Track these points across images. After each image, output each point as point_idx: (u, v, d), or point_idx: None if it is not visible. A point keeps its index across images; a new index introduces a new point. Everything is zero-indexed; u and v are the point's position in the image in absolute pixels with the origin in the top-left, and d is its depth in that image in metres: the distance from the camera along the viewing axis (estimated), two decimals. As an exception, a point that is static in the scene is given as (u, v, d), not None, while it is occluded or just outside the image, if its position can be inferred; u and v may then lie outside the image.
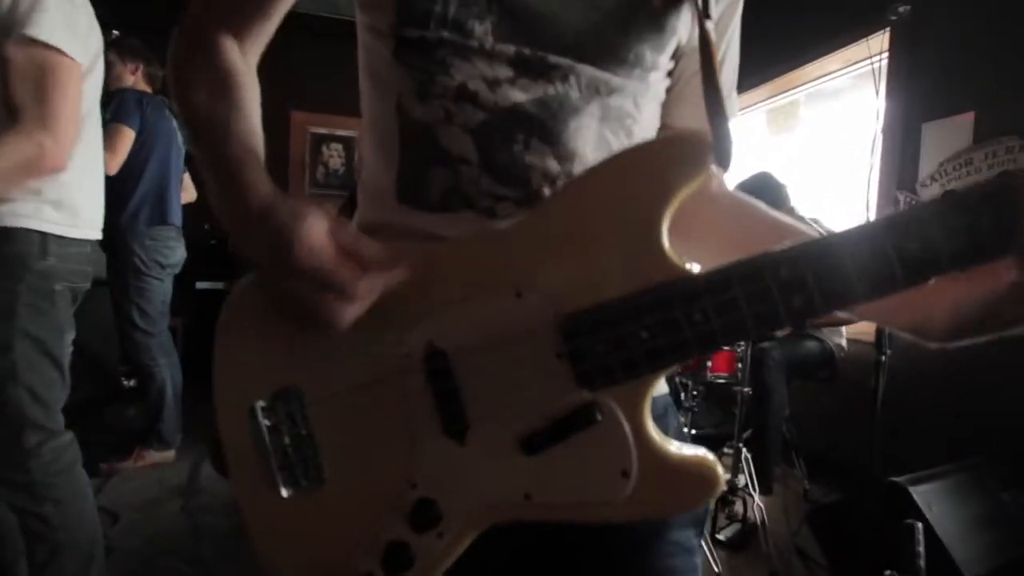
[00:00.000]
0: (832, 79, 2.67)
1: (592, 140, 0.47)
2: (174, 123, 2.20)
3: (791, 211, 2.04)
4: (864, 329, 2.22)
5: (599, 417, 0.39)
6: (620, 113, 0.48)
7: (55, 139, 1.03)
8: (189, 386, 2.33)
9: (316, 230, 0.37)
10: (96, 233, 1.23)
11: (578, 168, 0.46)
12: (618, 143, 0.48)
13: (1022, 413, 1.59)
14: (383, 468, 0.42)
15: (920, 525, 0.99)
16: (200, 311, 3.11)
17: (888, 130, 2.19)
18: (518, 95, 0.45)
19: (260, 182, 0.42)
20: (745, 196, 0.58)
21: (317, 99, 4.10)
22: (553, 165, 0.46)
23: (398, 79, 0.46)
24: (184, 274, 2.41)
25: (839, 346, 2.08)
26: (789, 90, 2.93)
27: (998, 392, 1.66)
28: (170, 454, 2.24)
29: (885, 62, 2.22)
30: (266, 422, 0.43)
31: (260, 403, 0.43)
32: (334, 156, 4.20)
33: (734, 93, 0.58)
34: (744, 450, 1.68)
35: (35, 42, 1.01)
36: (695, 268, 0.39)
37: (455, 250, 0.44)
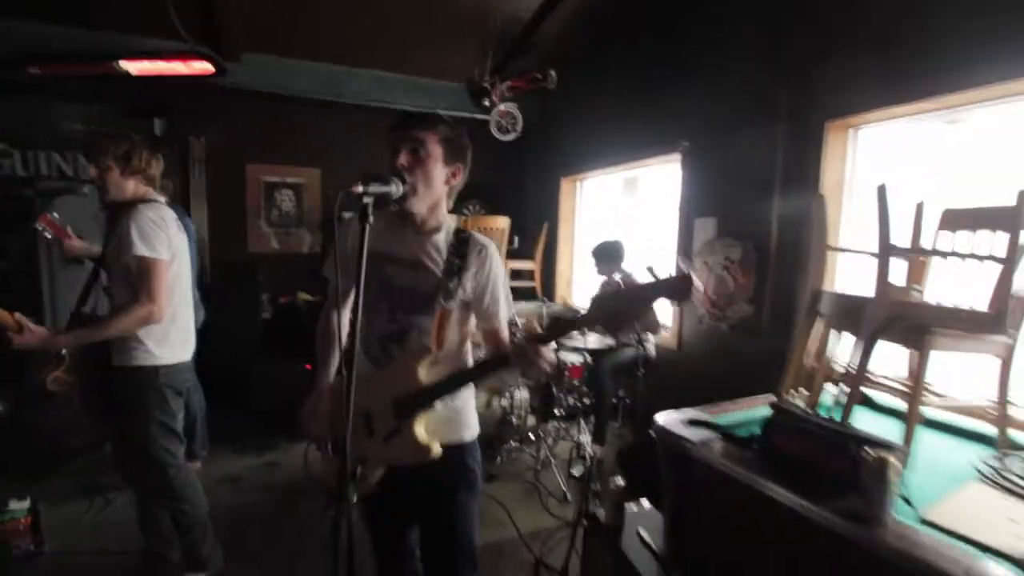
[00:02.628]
0: (659, 167, 3.96)
1: (415, 342, 1.30)
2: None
3: (624, 272, 3.26)
4: (667, 339, 3.55)
5: (401, 428, 1.33)
6: (426, 327, 1.31)
7: (158, 306, 1.78)
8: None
9: (306, 417, 1.43)
10: (187, 356, 2.00)
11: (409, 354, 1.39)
12: (428, 339, 1.31)
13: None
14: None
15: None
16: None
17: (681, 215, 3.50)
18: (388, 329, 1.39)
19: (323, 384, 1.43)
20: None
21: (268, 152, 4.85)
22: (400, 352, 1.38)
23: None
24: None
25: (648, 351, 3.36)
26: (633, 169, 4.21)
27: (724, 372, 3.00)
28: (197, 465, 2.99)
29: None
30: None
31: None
32: (286, 200, 4.97)
33: (501, 308, 1.35)
34: (583, 422, 2.93)
35: (140, 256, 1.76)
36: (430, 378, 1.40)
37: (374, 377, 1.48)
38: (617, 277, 3.18)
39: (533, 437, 3.26)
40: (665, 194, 3.93)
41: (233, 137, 4.65)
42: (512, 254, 4.96)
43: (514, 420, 3.24)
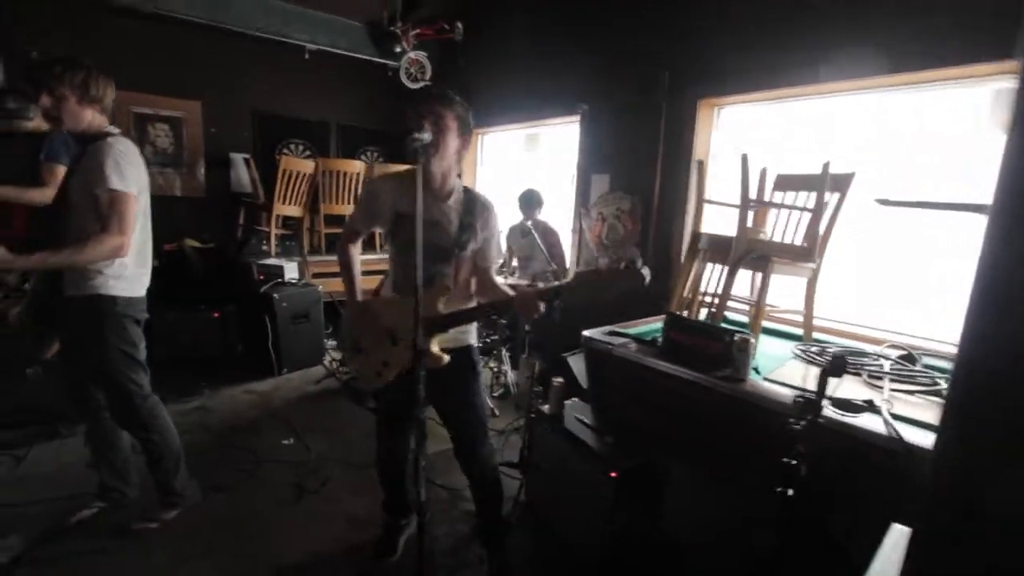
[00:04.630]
0: (559, 126, 4.40)
1: (438, 283, 1.76)
2: None
3: (538, 220, 3.69)
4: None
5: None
6: (447, 272, 1.76)
7: (127, 239, 1.81)
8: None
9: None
10: (143, 290, 1.99)
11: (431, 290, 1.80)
12: (448, 281, 1.79)
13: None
14: (378, 351, 1.75)
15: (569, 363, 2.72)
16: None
17: (579, 171, 4.01)
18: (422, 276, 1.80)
19: (355, 299, 1.75)
20: (492, 281, 1.93)
21: (138, 79, 4.28)
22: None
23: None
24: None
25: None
26: (535, 127, 4.60)
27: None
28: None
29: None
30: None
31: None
32: (161, 135, 4.48)
33: (494, 255, 1.81)
34: (504, 350, 3.39)
35: (112, 190, 1.78)
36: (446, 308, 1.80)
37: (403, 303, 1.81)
38: (529, 224, 3.61)
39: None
40: (564, 150, 4.41)
41: (94, 59, 4.02)
42: (417, 202, 5.11)
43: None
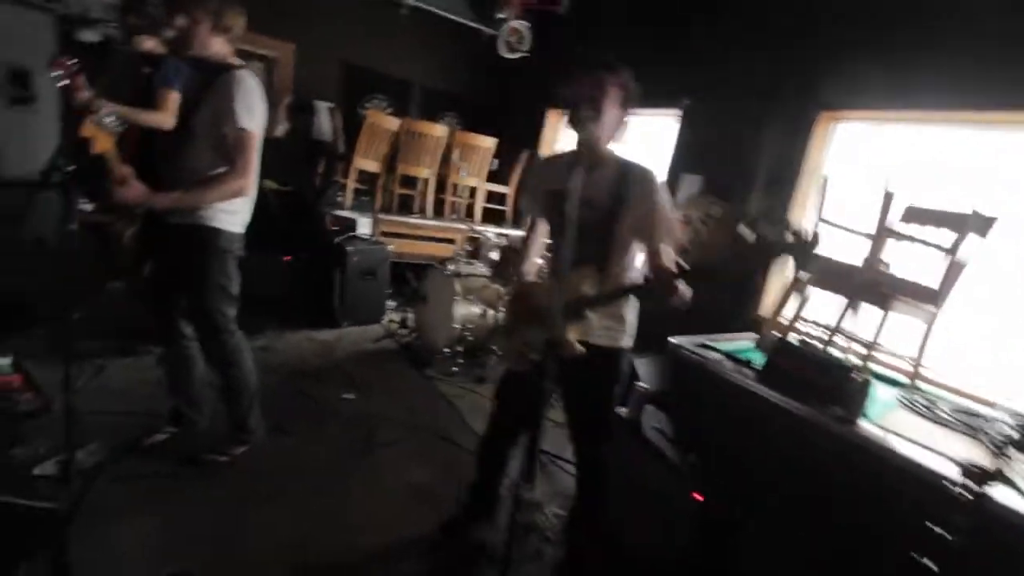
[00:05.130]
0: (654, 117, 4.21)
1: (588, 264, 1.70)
2: None
3: None
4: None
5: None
6: (599, 251, 1.65)
7: (249, 180, 1.85)
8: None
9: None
10: (243, 227, 2.00)
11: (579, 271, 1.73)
12: (599, 260, 1.67)
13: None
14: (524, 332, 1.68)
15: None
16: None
17: (672, 169, 3.83)
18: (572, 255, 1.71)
19: (523, 273, 1.72)
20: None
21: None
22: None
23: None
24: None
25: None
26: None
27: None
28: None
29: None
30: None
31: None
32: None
33: (659, 233, 1.49)
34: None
35: (242, 129, 1.78)
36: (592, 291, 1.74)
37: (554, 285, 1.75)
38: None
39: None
40: (647, 142, 4.22)
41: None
42: (491, 176, 5.03)
43: (499, 332, 3.54)
